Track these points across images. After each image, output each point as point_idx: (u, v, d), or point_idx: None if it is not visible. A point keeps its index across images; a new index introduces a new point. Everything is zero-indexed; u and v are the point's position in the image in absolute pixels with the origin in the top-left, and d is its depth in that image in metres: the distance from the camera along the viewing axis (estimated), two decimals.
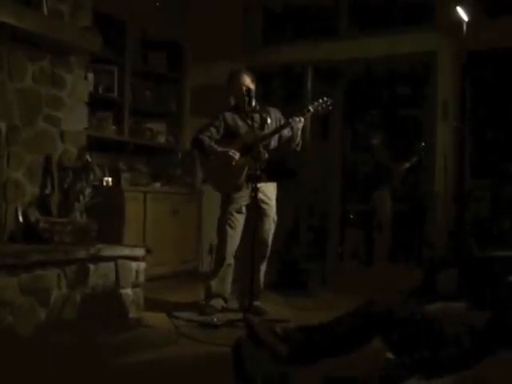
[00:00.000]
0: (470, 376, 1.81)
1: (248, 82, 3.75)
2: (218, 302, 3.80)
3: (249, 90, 3.66)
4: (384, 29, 5.05)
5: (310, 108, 3.71)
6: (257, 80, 3.86)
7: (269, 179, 3.81)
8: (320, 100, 3.76)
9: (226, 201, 3.78)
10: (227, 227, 3.74)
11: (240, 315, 3.41)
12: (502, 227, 4.69)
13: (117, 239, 4.14)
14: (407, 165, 5.48)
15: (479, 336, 1.96)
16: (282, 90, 5.99)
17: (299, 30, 5.57)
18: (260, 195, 3.62)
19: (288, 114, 3.79)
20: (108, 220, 4.16)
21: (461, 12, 4.37)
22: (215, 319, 3.52)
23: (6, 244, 3.38)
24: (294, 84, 5.68)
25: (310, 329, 2.20)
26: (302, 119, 3.68)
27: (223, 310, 3.79)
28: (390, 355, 2.12)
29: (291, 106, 5.78)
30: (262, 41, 5.68)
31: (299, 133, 3.73)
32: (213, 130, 3.79)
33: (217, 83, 5.19)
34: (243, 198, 3.72)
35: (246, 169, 3.65)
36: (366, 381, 1.95)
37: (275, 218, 3.82)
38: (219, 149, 3.72)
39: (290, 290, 4.55)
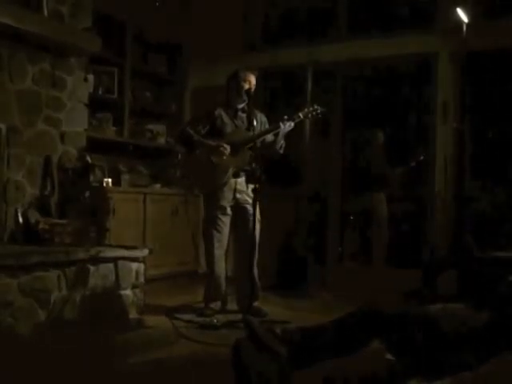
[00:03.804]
0: (471, 377, 1.81)
1: (254, 81, 3.76)
2: (216, 304, 3.80)
3: (250, 92, 3.68)
4: (384, 30, 5.05)
5: (300, 114, 3.76)
6: (257, 81, 3.86)
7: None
8: (310, 108, 3.82)
9: (210, 203, 3.78)
10: (214, 231, 3.74)
11: (240, 316, 3.41)
12: (501, 228, 4.69)
13: (116, 240, 4.13)
14: (402, 170, 5.42)
15: (480, 337, 1.96)
16: (282, 90, 5.99)
17: (299, 31, 5.58)
18: (243, 196, 3.71)
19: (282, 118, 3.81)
20: (107, 221, 4.16)
21: (461, 13, 4.38)
22: (215, 320, 3.52)
23: (6, 245, 3.38)
24: (293, 85, 5.68)
25: (309, 330, 2.20)
26: (292, 124, 3.70)
27: (222, 311, 3.79)
28: (389, 356, 2.12)
29: (291, 107, 5.80)
30: (261, 42, 5.68)
31: (282, 139, 3.76)
32: (200, 125, 3.79)
33: (217, 84, 5.20)
34: (227, 199, 3.73)
35: (231, 168, 3.67)
36: (365, 382, 1.95)
37: (259, 217, 3.82)
38: (210, 142, 3.72)
39: (290, 291, 4.55)
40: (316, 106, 3.79)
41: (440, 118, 4.77)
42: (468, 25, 4.38)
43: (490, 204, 5.05)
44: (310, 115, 3.79)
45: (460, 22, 4.37)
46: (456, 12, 4.41)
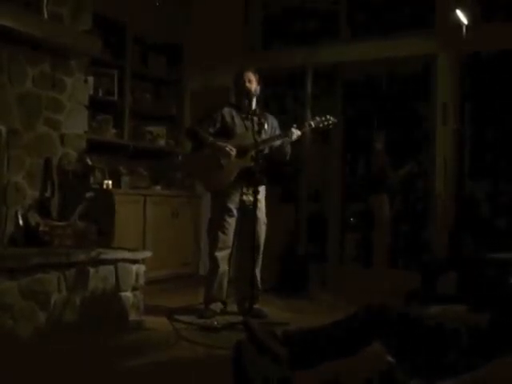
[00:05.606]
0: (471, 379, 1.80)
1: (253, 79, 3.74)
2: (217, 306, 3.80)
3: (250, 91, 3.67)
4: (384, 32, 5.05)
5: (312, 123, 3.74)
6: (260, 83, 3.85)
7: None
8: (323, 117, 3.76)
9: (216, 204, 3.77)
10: (219, 233, 3.72)
11: (240, 318, 3.41)
12: (500, 229, 4.70)
13: (116, 242, 4.14)
14: (403, 172, 5.43)
15: (480, 339, 1.96)
16: (282, 93, 5.99)
17: (299, 33, 5.58)
18: (249, 198, 3.64)
19: (287, 120, 3.79)
20: (107, 223, 4.16)
21: (460, 15, 4.39)
22: (215, 322, 3.52)
23: (7, 247, 3.39)
24: (293, 87, 5.69)
25: (310, 332, 2.20)
26: (300, 133, 3.69)
27: (223, 313, 3.79)
28: (390, 358, 2.12)
29: (291, 109, 5.80)
30: (261, 44, 5.69)
31: (289, 145, 3.75)
32: (210, 123, 3.75)
33: (217, 86, 5.20)
34: (233, 201, 3.72)
35: (237, 170, 3.66)
36: None
37: (265, 220, 3.80)
38: (217, 142, 3.70)
39: (291, 293, 4.55)
40: (329, 117, 3.75)
41: (440, 120, 4.77)
42: (467, 26, 4.39)
43: (489, 205, 5.05)
44: (321, 125, 3.76)
45: (459, 23, 4.38)
46: (455, 14, 4.42)
